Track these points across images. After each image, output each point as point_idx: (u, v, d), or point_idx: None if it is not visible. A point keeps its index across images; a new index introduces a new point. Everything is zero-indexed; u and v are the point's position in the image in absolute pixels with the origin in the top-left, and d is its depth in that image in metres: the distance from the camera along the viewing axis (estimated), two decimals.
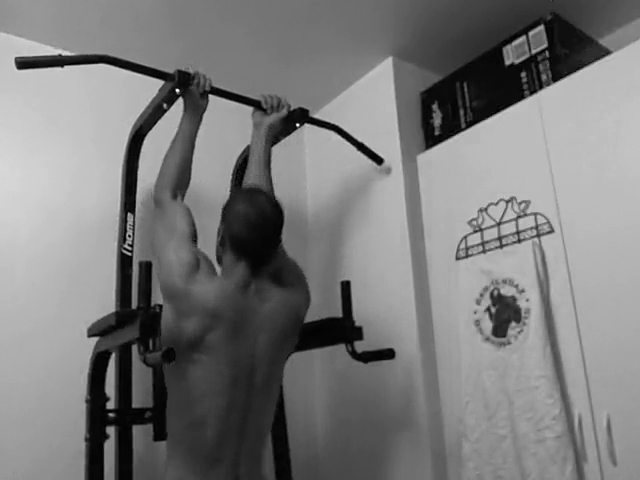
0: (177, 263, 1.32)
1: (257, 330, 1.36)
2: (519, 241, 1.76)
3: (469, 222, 1.92)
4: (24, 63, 1.47)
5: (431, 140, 2.18)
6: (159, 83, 1.65)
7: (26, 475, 1.66)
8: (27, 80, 1.85)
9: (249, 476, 1.34)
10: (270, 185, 1.63)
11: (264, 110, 1.73)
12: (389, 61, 2.25)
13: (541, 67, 1.85)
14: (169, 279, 1.32)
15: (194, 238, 1.41)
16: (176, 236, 1.37)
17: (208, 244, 1.46)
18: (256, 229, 1.36)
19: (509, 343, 1.70)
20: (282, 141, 1.90)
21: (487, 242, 1.85)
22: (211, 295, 1.30)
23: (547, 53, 1.84)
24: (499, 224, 1.83)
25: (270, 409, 1.44)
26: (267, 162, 1.67)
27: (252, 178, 1.61)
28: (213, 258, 1.46)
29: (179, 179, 1.51)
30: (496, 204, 1.85)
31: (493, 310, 1.77)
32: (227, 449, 1.31)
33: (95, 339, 1.58)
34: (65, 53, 1.57)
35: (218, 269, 1.44)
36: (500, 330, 1.74)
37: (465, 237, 1.92)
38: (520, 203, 1.78)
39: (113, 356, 1.62)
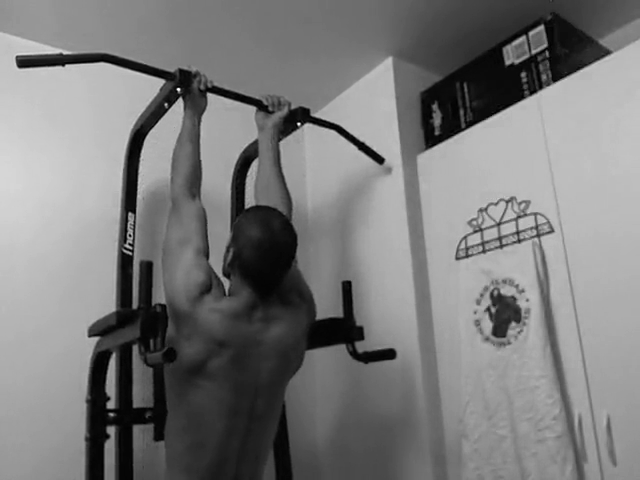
0: (187, 283, 1.27)
1: (261, 357, 1.33)
2: (519, 241, 1.76)
3: (469, 222, 1.92)
4: (25, 62, 1.47)
5: (431, 140, 2.18)
6: (159, 83, 1.65)
7: (26, 475, 1.66)
8: (28, 80, 1.85)
9: None
10: (284, 183, 1.64)
11: (266, 109, 1.72)
12: (389, 61, 2.25)
13: (541, 67, 1.85)
14: (176, 299, 1.28)
15: (206, 253, 1.37)
16: (189, 250, 1.33)
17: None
18: (269, 259, 1.31)
19: (509, 343, 1.70)
20: (282, 140, 1.89)
21: (487, 242, 1.85)
22: (217, 322, 1.27)
23: (547, 53, 1.84)
24: (499, 224, 1.83)
25: (270, 433, 1.42)
26: (277, 161, 1.67)
27: (265, 178, 1.62)
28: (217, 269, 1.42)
29: (193, 176, 1.48)
30: (496, 204, 1.85)
31: (493, 310, 1.77)
32: (225, 472, 1.29)
33: (96, 339, 1.58)
34: (65, 53, 1.57)
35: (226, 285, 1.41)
36: (500, 330, 1.74)
37: (465, 237, 1.92)
38: (520, 203, 1.78)
39: (114, 356, 1.62)
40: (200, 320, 1.26)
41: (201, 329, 1.26)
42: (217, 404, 1.27)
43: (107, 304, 1.71)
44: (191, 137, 1.53)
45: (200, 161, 1.53)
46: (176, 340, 1.27)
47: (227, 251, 1.37)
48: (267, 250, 1.30)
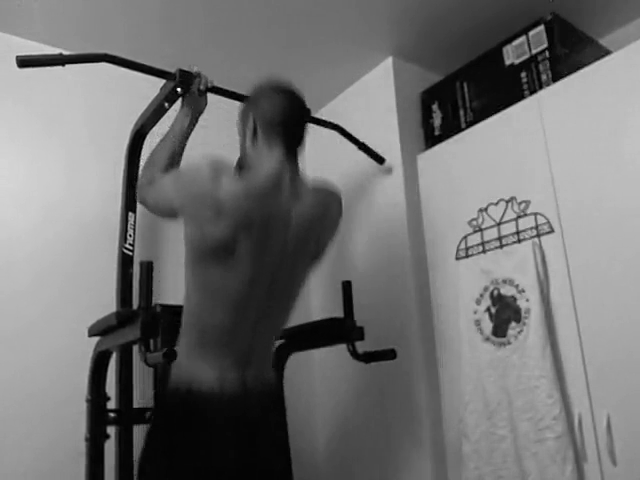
0: (197, 171, 1.26)
1: (288, 229, 1.31)
2: (519, 241, 1.76)
3: (469, 222, 1.92)
4: (25, 61, 1.47)
5: (431, 140, 2.18)
6: (159, 82, 1.65)
7: (26, 475, 1.66)
8: (27, 80, 1.85)
9: (256, 370, 1.31)
10: None
11: None
12: (389, 61, 2.25)
13: (541, 67, 1.85)
14: (190, 187, 1.26)
15: None
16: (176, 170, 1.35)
17: None
18: (291, 106, 1.37)
19: (509, 343, 1.70)
20: None
21: (487, 242, 1.85)
22: (240, 194, 1.24)
23: (547, 53, 1.84)
24: (499, 224, 1.83)
25: (286, 311, 1.41)
26: None
27: None
28: None
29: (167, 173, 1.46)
30: (496, 204, 1.85)
31: (493, 310, 1.77)
32: (239, 340, 1.29)
33: (96, 338, 1.58)
34: (65, 53, 1.57)
35: None
36: (500, 330, 1.74)
37: (465, 237, 1.92)
38: (520, 203, 1.78)
39: (114, 356, 1.62)
40: (222, 196, 1.22)
41: (224, 205, 1.22)
42: (238, 276, 1.26)
43: (107, 304, 1.71)
44: (177, 136, 1.53)
45: (180, 163, 1.51)
46: (195, 231, 1.25)
47: (244, 130, 1.39)
48: (288, 100, 1.37)
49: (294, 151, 1.37)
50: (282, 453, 1.43)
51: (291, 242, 1.32)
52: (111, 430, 1.59)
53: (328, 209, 1.43)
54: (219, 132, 2.18)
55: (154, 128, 1.82)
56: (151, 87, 1.68)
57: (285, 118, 1.35)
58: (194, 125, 1.59)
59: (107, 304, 1.71)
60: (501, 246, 1.81)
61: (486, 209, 1.87)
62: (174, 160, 1.49)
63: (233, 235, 1.22)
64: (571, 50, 1.84)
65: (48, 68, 1.53)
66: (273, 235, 1.28)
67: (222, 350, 1.26)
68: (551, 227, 1.69)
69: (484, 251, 1.86)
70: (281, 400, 1.45)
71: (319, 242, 1.43)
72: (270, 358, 1.40)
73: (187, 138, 1.56)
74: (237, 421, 1.24)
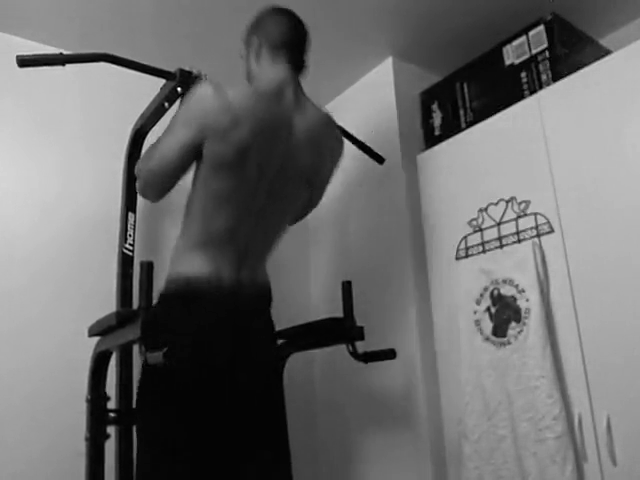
0: (200, 95, 1.29)
1: (290, 137, 1.36)
2: (519, 241, 1.76)
3: (469, 222, 1.92)
4: (25, 61, 1.47)
5: (431, 140, 2.19)
6: (158, 82, 1.65)
7: (26, 475, 1.66)
8: (27, 80, 1.85)
9: (250, 272, 1.36)
10: None
11: None
12: (389, 61, 2.25)
13: (541, 67, 1.85)
14: (202, 109, 1.27)
15: None
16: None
17: None
18: (295, 27, 1.44)
19: (509, 343, 1.70)
20: None
21: (487, 242, 1.85)
22: (247, 98, 1.30)
23: (547, 53, 1.84)
24: (499, 224, 1.83)
25: (283, 218, 1.46)
26: None
27: None
28: None
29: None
30: (496, 204, 1.85)
31: (493, 310, 1.77)
32: (236, 241, 1.33)
33: (95, 339, 1.58)
34: (65, 53, 1.57)
35: None
36: (500, 330, 1.74)
37: (465, 237, 1.93)
38: (520, 203, 1.78)
39: (114, 356, 1.62)
40: (233, 103, 1.26)
41: (238, 112, 1.26)
42: (245, 183, 1.31)
43: (107, 304, 1.71)
44: None
45: None
46: (218, 141, 1.27)
47: (248, 53, 1.46)
48: (291, 18, 1.44)
49: (298, 71, 1.43)
50: (273, 351, 1.48)
51: (291, 151, 1.36)
52: (111, 430, 1.59)
53: (329, 134, 1.48)
54: None
55: (154, 127, 1.82)
56: (151, 87, 1.68)
57: (290, 38, 1.42)
58: None
59: (107, 304, 1.71)
60: (501, 246, 1.81)
61: (486, 209, 1.87)
62: None
63: (250, 139, 1.27)
64: (571, 50, 1.84)
65: (47, 68, 1.53)
66: (277, 142, 1.33)
67: (220, 249, 1.31)
68: (551, 227, 1.69)
69: (484, 251, 1.86)
70: (270, 300, 1.47)
71: (316, 166, 1.46)
72: (264, 263, 1.44)
73: None
74: (232, 312, 1.30)
